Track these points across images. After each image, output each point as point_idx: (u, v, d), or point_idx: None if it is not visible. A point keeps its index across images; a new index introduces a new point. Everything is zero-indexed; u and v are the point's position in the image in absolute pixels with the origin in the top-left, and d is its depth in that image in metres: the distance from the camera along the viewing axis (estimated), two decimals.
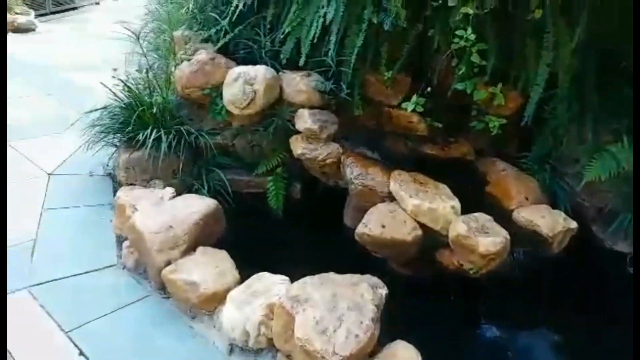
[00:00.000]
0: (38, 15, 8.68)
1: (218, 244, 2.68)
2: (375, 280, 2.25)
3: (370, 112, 3.31)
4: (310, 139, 3.09)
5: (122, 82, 3.27)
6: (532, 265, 2.90)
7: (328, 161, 3.11)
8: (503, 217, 2.85)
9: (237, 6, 3.20)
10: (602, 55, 2.89)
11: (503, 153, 3.40)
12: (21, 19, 7.89)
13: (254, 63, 3.21)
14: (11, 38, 7.10)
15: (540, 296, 2.87)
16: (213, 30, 3.30)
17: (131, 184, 3.18)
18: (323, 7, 2.98)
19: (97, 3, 7.32)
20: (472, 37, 2.66)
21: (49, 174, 3.48)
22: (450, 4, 2.68)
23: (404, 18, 2.86)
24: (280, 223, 3.31)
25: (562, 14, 2.70)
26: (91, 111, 3.37)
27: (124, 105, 3.25)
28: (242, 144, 3.36)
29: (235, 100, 3.05)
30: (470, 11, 2.67)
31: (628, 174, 2.70)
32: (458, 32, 2.68)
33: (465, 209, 2.78)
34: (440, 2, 2.70)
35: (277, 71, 3.20)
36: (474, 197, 3.05)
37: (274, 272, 2.40)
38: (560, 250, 2.86)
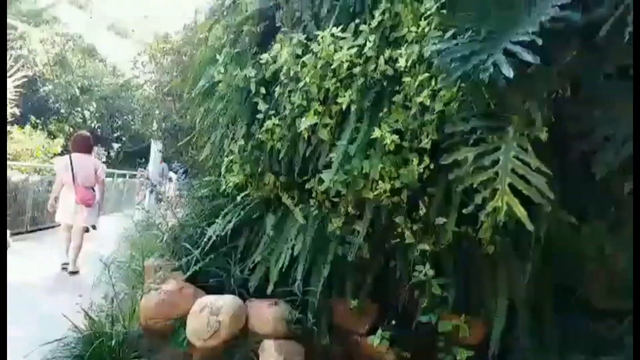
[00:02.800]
0: (13, 234, 8.82)
1: None
2: None
3: (338, 340, 3.25)
4: None
5: (84, 311, 3.21)
6: None
7: None
8: None
9: (210, 237, 3.38)
10: (557, 289, 3.03)
11: None
12: None
13: (223, 291, 3.25)
14: None
15: None
16: (184, 260, 3.41)
17: None
18: (291, 240, 3.18)
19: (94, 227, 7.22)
20: (431, 272, 2.80)
21: None
22: (407, 241, 2.91)
23: (367, 251, 3.06)
24: None
25: (514, 250, 2.92)
26: (46, 343, 3.20)
27: (82, 337, 3.12)
28: None
29: (199, 331, 2.99)
30: (427, 247, 2.88)
31: None
32: (417, 267, 2.83)
33: None
34: (398, 239, 2.93)
35: (245, 299, 3.22)
36: None
37: None
38: None
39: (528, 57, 1.90)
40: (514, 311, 2.93)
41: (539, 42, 1.86)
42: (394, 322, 3.05)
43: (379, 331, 3.00)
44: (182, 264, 3.44)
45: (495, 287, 2.94)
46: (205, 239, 3.35)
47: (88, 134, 6.92)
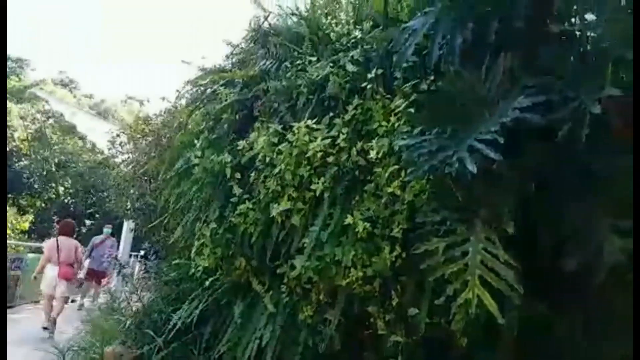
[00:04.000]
0: None
1: None
2: None
3: None
4: None
5: None
6: None
7: None
8: None
9: (175, 324, 3.24)
10: None
11: None
12: None
13: None
14: None
15: None
16: (146, 348, 3.24)
17: None
18: (260, 329, 3.07)
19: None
20: None
21: None
22: (380, 331, 2.84)
23: (338, 341, 2.97)
24: None
25: (487, 341, 2.87)
26: None
27: None
28: None
29: None
30: (400, 339, 2.81)
31: None
32: None
33: None
34: (371, 329, 2.86)
35: None
36: None
37: None
38: None
39: (491, 153, 1.99)
40: None
41: (501, 140, 1.96)
42: None
43: None
44: (144, 352, 3.26)
45: None
46: (169, 326, 3.21)
47: (73, 221, 8.82)
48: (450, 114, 2.37)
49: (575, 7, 2.15)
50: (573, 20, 2.26)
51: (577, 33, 2.19)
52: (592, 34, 2.05)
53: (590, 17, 2.28)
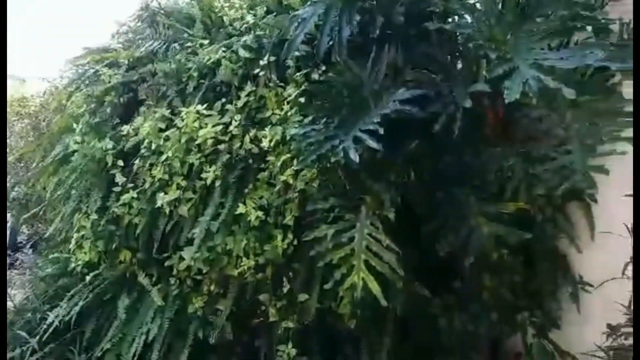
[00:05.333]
0: None
1: None
2: None
3: None
4: None
5: None
6: None
7: None
8: None
9: (52, 323, 3.00)
10: None
11: None
12: None
13: None
14: None
15: None
16: (18, 351, 2.96)
17: None
18: (147, 323, 2.94)
19: None
20: (293, 351, 2.76)
21: None
22: (272, 319, 2.86)
23: (230, 331, 2.94)
24: None
25: (373, 323, 3.00)
26: None
27: None
28: None
29: None
30: (291, 325, 2.85)
31: None
32: (280, 347, 2.78)
33: None
34: (262, 318, 2.87)
35: None
36: None
37: None
38: None
39: (373, 144, 2.07)
40: None
41: (381, 131, 2.05)
42: None
43: None
44: (14, 355, 2.97)
45: None
46: (45, 326, 2.96)
47: None
48: (339, 104, 2.43)
49: (452, 7, 2.29)
50: (450, 19, 2.41)
51: (453, 32, 2.33)
52: (465, 33, 2.19)
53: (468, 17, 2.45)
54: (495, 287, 2.85)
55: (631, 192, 2.21)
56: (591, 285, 2.78)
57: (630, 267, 2.42)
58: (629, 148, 1.89)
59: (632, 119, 1.88)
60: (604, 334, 2.51)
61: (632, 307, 2.49)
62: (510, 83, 1.75)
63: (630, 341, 2.36)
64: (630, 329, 2.42)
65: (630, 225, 2.39)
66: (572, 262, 2.91)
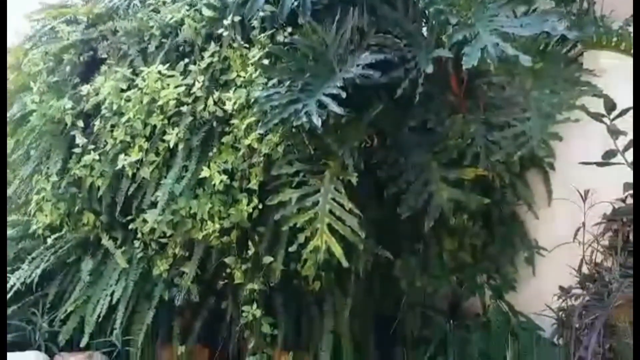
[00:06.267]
0: None
1: None
2: None
3: None
4: None
5: None
6: None
7: None
8: None
9: (14, 285, 2.97)
10: (377, 320, 3.25)
11: None
12: None
13: (25, 347, 2.85)
14: None
15: None
16: None
17: None
18: (111, 285, 2.94)
19: None
20: (258, 312, 2.81)
21: None
22: (237, 281, 2.89)
23: (196, 293, 2.97)
24: None
25: (338, 285, 3.07)
26: None
27: None
28: None
29: None
30: (256, 287, 2.89)
31: None
32: (245, 308, 2.82)
33: None
34: (227, 280, 2.90)
35: (53, 355, 2.87)
36: None
37: None
38: None
39: (336, 108, 2.07)
40: (340, 344, 3.07)
41: (343, 95, 2.04)
42: None
43: None
44: None
45: (322, 323, 3.05)
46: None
47: None
48: (303, 67, 2.40)
49: None
50: None
51: None
52: None
53: None
54: (455, 250, 2.95)
55: (587, 160, 2.29)
56: (545, 250, 2.90)
57: (581, 232, 2.53)
58: (582, 116, 1.94)
59: (588, 88, 1.93)
60: (555, 295, 2.64)
61: (581, 272, 2.62)
62: (469, 49, 1.76)
63: (578, 302, 2.48)
64: (580, 291, 2.55)
65: (582, 191, 2.48)
66: (528, 227, 3.03)
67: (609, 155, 2.13)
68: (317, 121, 2.05)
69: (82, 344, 2.87)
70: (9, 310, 2.95)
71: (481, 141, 2.35)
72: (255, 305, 2.84)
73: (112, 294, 2.89)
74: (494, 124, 2.33)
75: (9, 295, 2.93)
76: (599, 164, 2.17)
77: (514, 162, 2.51)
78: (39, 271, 2.96)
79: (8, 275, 3.06)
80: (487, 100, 2.48)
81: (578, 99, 1.99)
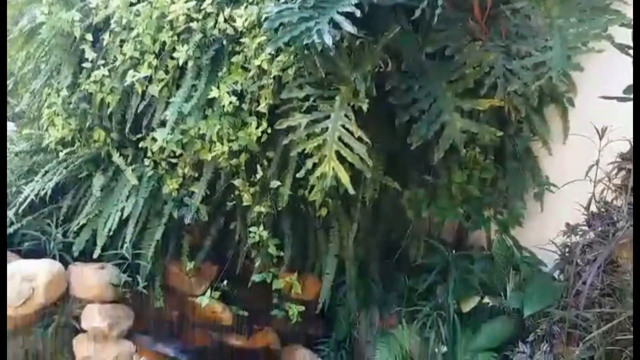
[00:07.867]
0: None
1: None
2: None
3: (174, 303, 3.20)
4: (98, 338, 2.81)
5: None
6: None
7: None
8: None
9: (27, 197, 3.04)
10: (382, 248, 3.31)
11: (309, 339, 3.47)
12: None
13: (41, 256, 2.97)
14: None
15: None
16: None
17: None
18: (122, 201, 3.00)
19: None
20: (264, 233, 2.86)
21: None
22: (245, 203, 2.93)
23: (205, 213, 3.02)
24: None
25: (345, 212, 3.10)
26: None
27: None
28: (13, 349, 2.89)
29: (10, 299, 2.70)
30: (264, 210, 2.93)
31: (410, 355, 2.93)
32: (252, 229, 2.88)
33: None
34: (236, 201, 2.94)
35: (67, 264, 2.99)
36: None
37: None
38: None
39: (350, 27, 1.98)
40: (344, 269, 3.15)
41: (358, 13, 1.94)
42: (226, 282, 3.08)
43: (208, 292, 3.01)
44: None
45: (327, 247, 3.12)
46: (20, 199, 3.01)
47: None
48: None
49: None
50: None
51: None
52: None
53: None
54: (464, 182, 2.93)
55: (609, 94, 2.18)
56: (556, 186, 2.86)
57: (593, 169, 2.47)
58: (605, 46, 1.83)
59: (616, 17, 1.80)
60: (561, 231, 2.62)
61: (589, 210, 2.58)
62: None
63: (583, 239, 2.47)
64: (586, 228, 2.53)
65: (600, 127, 2.40)
66: (541, 163, 2.97)
67: (631, 90, 2.03)
68: (329, 40, 1.97)
69: (95, 255, 2.97)
70: (24, 221, 3.05)
71: (500, 70, 2.26)
72: (262, 227, 2.90)
73: (122, 210, 2.96)
74: (515, 53, 2.22)
75: (22, 207, 3.01)
76: (619, 99, 2.07)
77: (532, 95, 2.41)
78: (51, 184, 3.01)
79: (22, 187, 3.13)
80: (509, 29, 2.35)
81: (605, 29, 1.86)
